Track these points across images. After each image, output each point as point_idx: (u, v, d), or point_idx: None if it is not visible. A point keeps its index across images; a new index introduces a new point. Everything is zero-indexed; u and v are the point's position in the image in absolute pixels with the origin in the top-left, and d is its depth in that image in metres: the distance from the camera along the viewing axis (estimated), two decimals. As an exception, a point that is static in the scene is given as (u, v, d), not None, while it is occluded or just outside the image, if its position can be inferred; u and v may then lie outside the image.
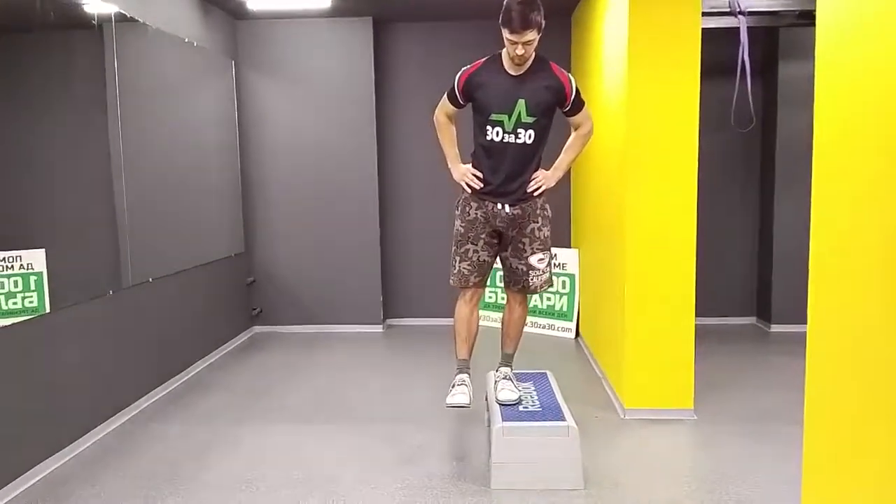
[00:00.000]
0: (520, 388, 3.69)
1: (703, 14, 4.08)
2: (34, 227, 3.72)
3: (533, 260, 3.51)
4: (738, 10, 4.45)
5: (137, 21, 4.50)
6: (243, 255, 6.30)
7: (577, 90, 3.42)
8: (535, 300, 6.24)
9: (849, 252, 1.88)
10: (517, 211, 3.47)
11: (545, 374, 4.11)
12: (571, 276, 6.25)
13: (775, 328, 6.33)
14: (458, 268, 3.58)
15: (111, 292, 4.16)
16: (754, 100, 5.15)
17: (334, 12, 6.03)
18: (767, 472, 3.40)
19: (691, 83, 4.00)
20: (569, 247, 6.49)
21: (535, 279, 3.53)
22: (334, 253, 6.45)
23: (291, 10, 6.02)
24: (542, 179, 3.50)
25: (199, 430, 4.05)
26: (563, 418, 3.36)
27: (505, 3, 3.19)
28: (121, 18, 4.30)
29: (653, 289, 4.12)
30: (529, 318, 5.88)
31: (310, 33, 6.28)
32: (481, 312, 3.89)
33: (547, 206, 3.60)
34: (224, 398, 4.65)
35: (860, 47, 1.84)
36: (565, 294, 6.25)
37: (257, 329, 6.49)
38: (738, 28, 4.47)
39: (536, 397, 3.68)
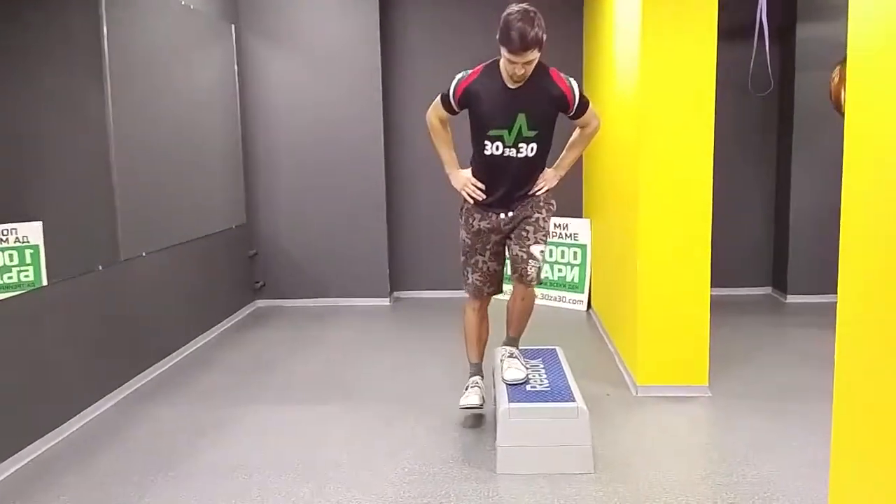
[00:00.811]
0: (527, 366, 3.54)
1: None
2: (28, 200, 3.57)
3: (535, 249, 3.34)
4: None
5: (127, -16, 4.30)
6: (245, 227, 6.14)
7: (580, 93, 3.26)
8: (545, 271, 6.07)
9: (883, 220, 1.70)
10: (520, 210, 3.37)
11: (555, 350, 3.96)
12: (583, 247, 6.07)
13: (791, 298, 6.16)
14: (471, 279, 3.53)
15: (105, 266, 4.01)
16: (771, 63, 4.93)
17: (335, -26, 5.80)
18: (787, 453, 3.24)
19: (708, 46, 3.78)
20: (580, 217, 6.30)
21: (532, 269, 3.35)
22: (339, 224, 6.28)
23: (290, -28, 5.79)
24: (544, 181, 3.39)
25: (196, 411, 3.93)
26: (572, 399, 3.21)
27: (503, 19, 2.98)
28: (109, -19, 4.10)
29: (667, 260, 3.94)
30: (540, 291, 5.73)
31: (311, -4, 6.06)
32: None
33: (552, 200, 3.47)
34: (223, 376, 4.52)
35: None
36: (577, 265, 6.08)
37: (260, 303, 6.36)
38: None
39: (545, 376, 3.53)
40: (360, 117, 6.15)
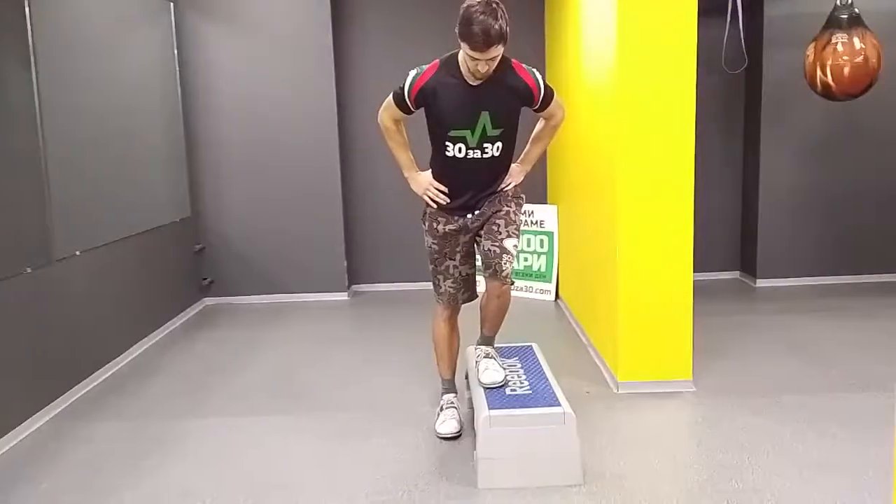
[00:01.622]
0: (505, 367, 3.26)
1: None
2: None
3: (508, 244, 3.05)
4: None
5: (48, -47, 3.85)
6: (190, 220, 5.72)
7: (545, 85, 2.99)
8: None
9: None
10: (487, 206, 3.11)
11: (531, 347, 3.69)
12: (549, 234, 5.81)
13: (761, 283, 6.02)
14: (443, 287, 3.24)
15: (35, 268, 3.60)
16: (732, 42, 4.73)
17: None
18: (785, 453, 3.03)
19: (688, 21, 3.53)
20: (545, 203, 6.04)
21: (507, 264, 3.06)
22: (292, 215, 5.88)
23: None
24: (510, 178, 3.14)
25: (139, 427, 3.55)
26: (557, 403, 2.94)
27: (463, 11, 2.68)
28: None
29: (648, 247, 3.70)
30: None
31: (256, -29, 5.64)
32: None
33: (522, 194, 3.21)
34: (168, 385, 4.14)
35: None
36: (544, 253, 5.82)
37: (208, 301, 5.94)
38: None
39: (524, 377, 3.25)
40: (312, 100, 5.76)
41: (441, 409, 3.33)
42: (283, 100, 5.75)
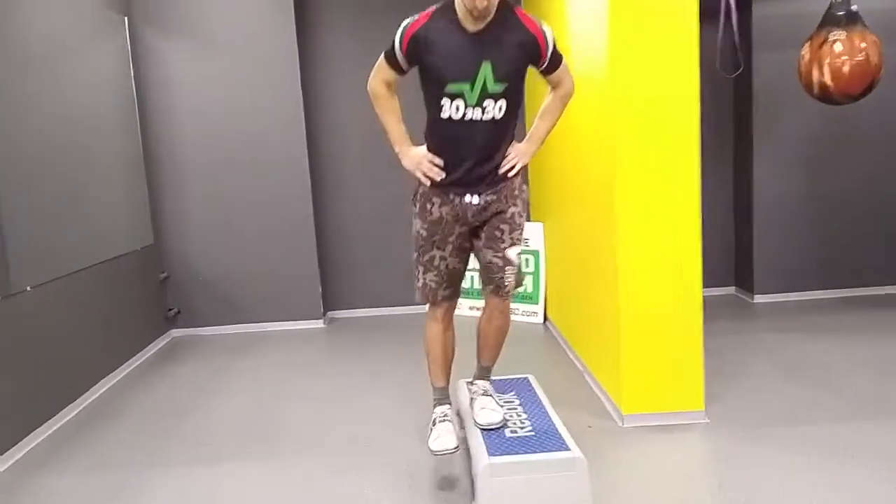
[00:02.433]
0: (503, 405, 2.94)
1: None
2: None
3: (511, 253, 2.75)
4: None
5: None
6: (153, 248, 5.33)
7: (554, 42, 2.65)
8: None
9: None
10: (492, 196, 2.72)
11: (527, 379, 3.38)
12: (535, 253, 5.51)
13: (759, 299, 5.76)
14: (422, 280, 2.83)
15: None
16: (726, 44, 4.49)
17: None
18: (813, 497, 2.73)
19: (689, 22, 3.26)
20: (529, 220, 5.73)
21: (509, 277, 2.76)
22: (262, 239, 5.52)
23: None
24: (516, 156, 2.75)
25: (96, 480, 3.16)
26: (565, 446, 2.62)
27: None
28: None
29: (653, 266, 3.40)
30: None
31: (217, -19, 5.30)
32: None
33: (524, 187, 2.86)
34: (130, 430, 3.75)
35: None
36: (530, 273, 5.51)
37: (176, 333, 5.54)
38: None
39: (524, 416, 2.93)
40: (280, 118, 5.42)
41: (434, 424, 2.86)
42: (248, 116, 5.40)
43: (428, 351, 2.96)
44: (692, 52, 3.27)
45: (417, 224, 2.82)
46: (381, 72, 2.70)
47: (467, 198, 2.70)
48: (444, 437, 2.76)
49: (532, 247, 5.51)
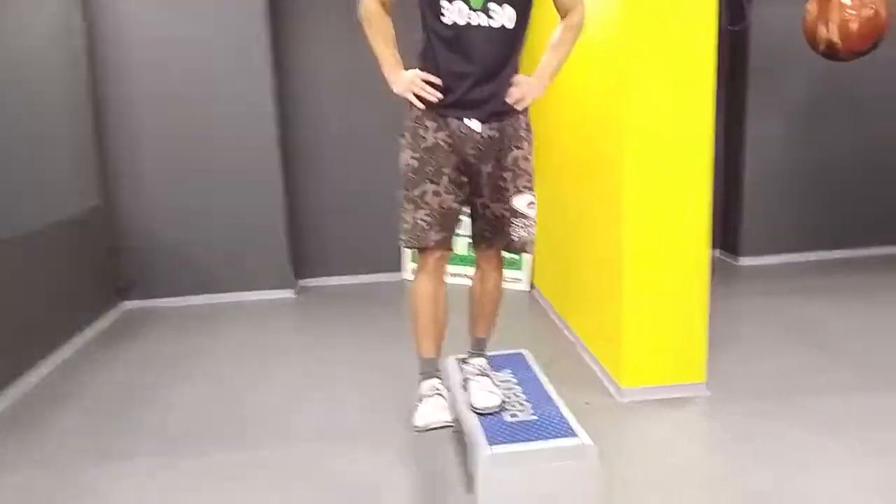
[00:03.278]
0: (500, 386, 2.64)
1: None
2: None
3: (520, 203, 2.42)
4: None
5: None
6: (101, 210, 4.87)
7: None
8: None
9: None
10: (494, 132, 2.38)
11: (521, 354, 3.08)
12: (518, 216, 5.19)
13: (744, 261, 5.58)
14: (411, 220, 2.41)
15: None
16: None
17: None
18: (826, 473, 2.56)
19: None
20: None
21: (520, 230, 2.44)
22: (226, 200, 5.08)
23: None
24: (527, 87, 2.40)
25: (40, 481, 2.79)
26: (571, 431, 2.34)
27: None
28: None
29: (659, 230, 3.16)
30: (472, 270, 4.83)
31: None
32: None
33: (531, 130, 2.52)
34: (78, 419, 3.34)
35: None
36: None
37: (129, 306, 5.11)
38: None
39: (523, 396, 2.64)
40: (246, 68, 4.94)
41: (421, 400, 2.39)
42: (212, 67, 4.93)
43: (416, 313, 2.49)
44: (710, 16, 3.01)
45: (407, 155, 2.42)
46: None
47: (466, 122, 2.35)
48: (432, 412, 2.33)
49: (513, 209, 5.20)
